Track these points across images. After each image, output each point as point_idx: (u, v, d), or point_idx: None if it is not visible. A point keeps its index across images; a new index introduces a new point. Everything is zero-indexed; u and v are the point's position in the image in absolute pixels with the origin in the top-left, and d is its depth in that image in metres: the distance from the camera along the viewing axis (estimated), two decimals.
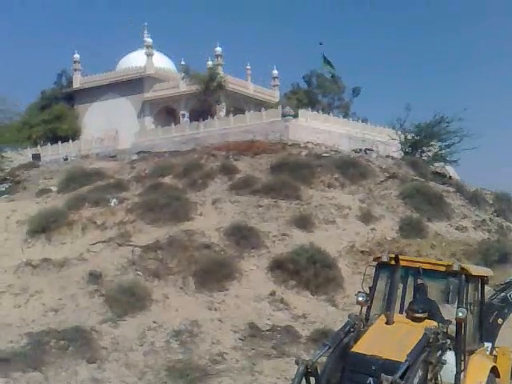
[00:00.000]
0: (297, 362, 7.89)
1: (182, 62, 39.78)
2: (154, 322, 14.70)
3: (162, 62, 42.95)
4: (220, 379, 12.40)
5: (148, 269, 17.33)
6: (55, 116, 42.02)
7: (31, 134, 40.88)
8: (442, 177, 29.37)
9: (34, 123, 41.61)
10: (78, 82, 43.53)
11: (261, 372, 12.81)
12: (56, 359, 12.74)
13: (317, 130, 32.84)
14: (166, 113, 40.50)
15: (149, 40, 41.53)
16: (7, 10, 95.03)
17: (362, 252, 19.02)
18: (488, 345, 9.76)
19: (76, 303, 15.66)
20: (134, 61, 42.03)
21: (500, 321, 9.92)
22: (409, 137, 32.00)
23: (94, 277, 16.87)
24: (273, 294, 16.59)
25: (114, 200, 22.57)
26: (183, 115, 38.60)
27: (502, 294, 10.07)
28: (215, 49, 39.59)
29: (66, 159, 35.01)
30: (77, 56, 43.86)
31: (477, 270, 9.59)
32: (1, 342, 13.39)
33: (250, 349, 13.80)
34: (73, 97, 44.09)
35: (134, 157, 31.45)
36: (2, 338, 13.61)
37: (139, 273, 17.15)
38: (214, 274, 16.82)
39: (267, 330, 14.66)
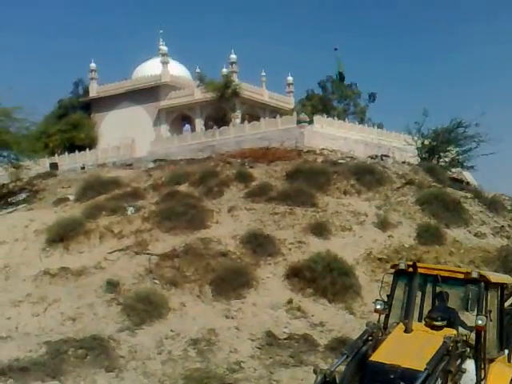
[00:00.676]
0: (315, 372, 7.85)
1: (197, 70, 39.97)
2: (172, 331, 14.71)
3: (177, 69, 43.19)
4: None
5: (165, 277, 17.37)
6: (72, 125, 42.39)
7: (48, 143, 41.22)
8: (459, 183, 29.13)
9: (52, 132, 41.96)
10: (95, 90, 43.90)
11: (278, 381, 12.75)
12: (74, 368, 12.78)
13: (332, 136, 32.78)
14: (182, 121, 40.70)
15: (164, 48, 41.79)
16: (24, 19, 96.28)
17: (379, 259, 18.90)
18: (505, 351, 9.64)
19: (94, 312, 15.74)
20: (150, 69, 42.31)
21: None
22: (425, 142, 31.79)
23: (112, 285, 16.95)
24: (290, 301, 16.53)
25: (131, 208, 22.69)
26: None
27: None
28: (230, 56, 39.71)
29: (83, 168, 35.26)
30: (93, 65, 44.24)
31: (496, 277, 9.49)
32: (19, 351, 13.47)
33: (267, 357, 13.74)
34: (89, 106, 44.45)
35: (150, 165, 31.59)
36: (21, 347, 13.69)
37: (156, 281, 17.20)
38: (230, 282, 16.82)
39: (284, 339, 14.60)
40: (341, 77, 44.08)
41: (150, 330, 14.76)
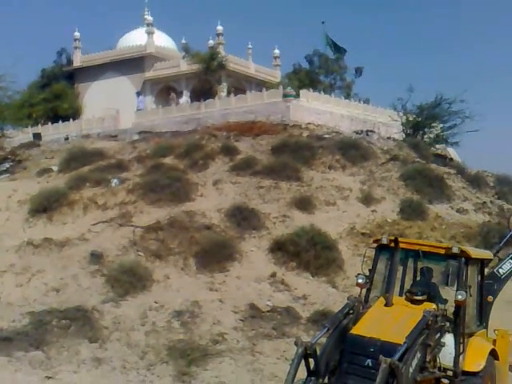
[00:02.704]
0: (296, 344, 7.97)
1: (183, 41, 39.44)
2: (156, 303, 14.79)
3: (162, 40, 42.59)
4: (220, 359, 12.51)
5: (149, 249, 17.39)
6: (55, 95, 41.74)
7: (32, 113, 40.64)
8: (443, 159, 29.28)
9: (35, 102, 41.33)
10: (79, 60, 43.20)
11: (261, 352, 12.92)
12: (58, 338, 12.84)
13: (318, 110, 32.64)
14: (167, 92, 40.30)
15: (149, 18, 41.11)
16: None
17: (362, 234, 19.07)
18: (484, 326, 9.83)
19: (78, 283, 15.74)
20: (135, 39, 41.67)
21: (490, 298, 9.95)
22: (410, 118, 31.84)
23: (96, 257, 16.94)
24: (273, 275, 16.67)
25: (115, 180, 22.57)
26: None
27: (490, 271, 10.09)
28: (216, 27, 39.21)
29: (66, 139, 34.86)
30: (77, 34, 43.44)
31: (477, 252, 9.64)
32: (3, 322, 13.50)
33: (250, 329, 13.90)
34: (73, 75, 43.76)
35: (135, 137, 31.34)
36: (4, 318, 13.72)
37: (140, 253, 17.22)
38: (214, 254, 16.90)
39: (267, 311, 14.75)
40: (335, 48, 43.26)
41: (133, 302, 14.82)
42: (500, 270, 10.43)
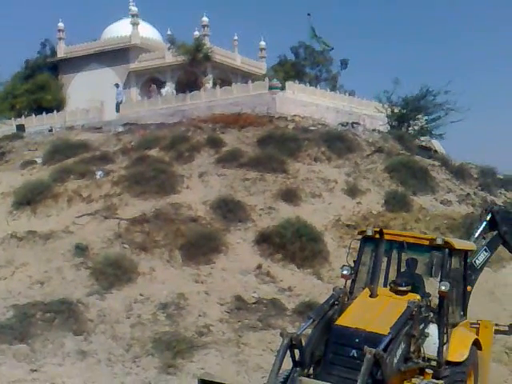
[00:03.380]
0: (281, 335, 8.00)
1: (168, 32, 39.17)
2: (141, 295, 14.78)
3: (147, 31, 42.21)
4: (206, 351, 12.54)
5: (134, 242, 17.34)
6: (39, 86, 41.27)
7: (15, 104, 40.25)
8: (427, 151, 29.44)
9: (18, 93, 40.90)
10: (63, 51, 42.68)
11: (247, 344, 12.97)
12: (42, 331, 12.79)
13: (304, 102, 32.59)
14: (156, 85, 40.04)
15: (134, 9, 40.69)
16: None
17: (347, 226, 19.14)
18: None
19: (62, 276, 15.67)
20: (119, 30, 41.23)
21: (469, 288, 10.07)
22: (395, 110, 31.95)
23: (80, 249, 16.87)
24: (259, 267, 16.72)
25: (100, 172, 22.44)
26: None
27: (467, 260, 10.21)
28: (202, 19, 38.94)
29: (50, 130, 34.49)
30: (61, 25, 42.86)
31: (460, 243, 9.73)
32: None
33: (236, 321, 13.93)
34: (57, 67, 43.24)
35: (120, 129, 31.08)
36: None
37: (125, 246, 17.18)
38: (200, 247, 16.90)
39: (253, 303, 14.80)
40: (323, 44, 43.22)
41: (119, 294, 14.79)
42: (476, 261, 10.61)
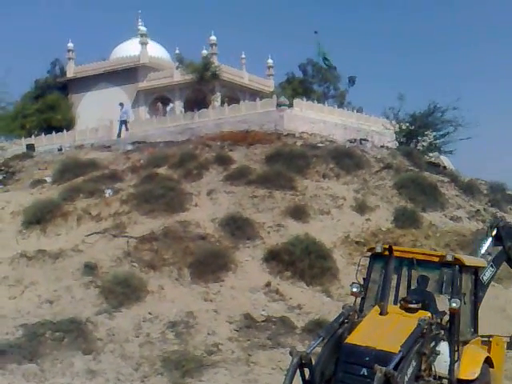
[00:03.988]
0: (291, 354, 7.94)
1: (177, 51, 39.52)
2: (150, 314, 14.73)
3: (156, 50, 42.66)
4: (215, 370, 12.43)
5: (143, 260, 17.34)
6: (49, 106, 41.70)
7: (25, 124, 40.61)
8: (436, 167, 29.38)
9: (28, 113, 41.30)
10: (72, 71, 43.19)
11: (256, 363, 12.87)
12: (51, 351, 12.74)
13: (312, 119, 32.72)
14: (161, 103, 40.34)
15: (143, 28, 41.21)
16: None
17: (356, 243, 19.06)
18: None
19: (71, 295, 15.66)
20: (128, 50, 41.71)
21: (478, 304, 9.95)
22: (403, 127, 31.94)
23: (89, 268, 16.86)
24: (268, 284, 16.64)
25: (109, 191, 22.53)
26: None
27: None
28: (210, 37, 39.31)
29: (60, 149, 34.76)
30: (70, 45, 43.45)
31: (470, 260, 9.64)
32: None
33: (245, 340, 13.85)
34: (67, 86, 43.73)
35: (129, 147, 31.29)
36: None
37: (134, 264, 17.16)
38: (209, 265, 16.86)
39: (262, 321, 14.71)
40: (329, 67, 43.52)
41: (128, 313, 14.75)
42: (483, 277, 10.49)
